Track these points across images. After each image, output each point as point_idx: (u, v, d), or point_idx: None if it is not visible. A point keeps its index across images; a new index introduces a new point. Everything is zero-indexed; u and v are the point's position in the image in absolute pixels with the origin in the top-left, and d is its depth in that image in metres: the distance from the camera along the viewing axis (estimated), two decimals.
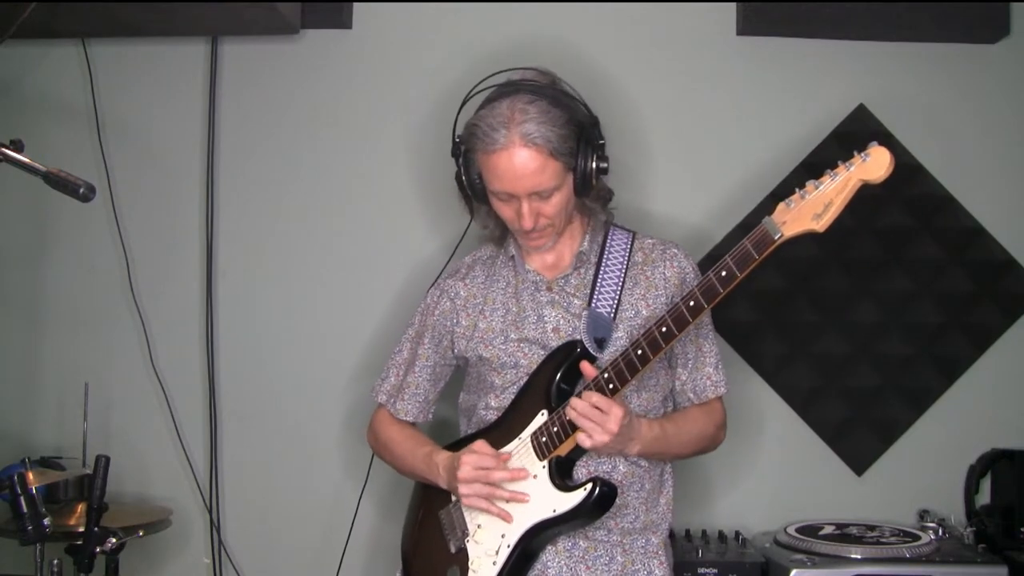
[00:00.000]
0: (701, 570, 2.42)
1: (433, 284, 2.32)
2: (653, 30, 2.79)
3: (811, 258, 2.73)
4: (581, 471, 2.04)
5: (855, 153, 1.75)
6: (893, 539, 2.49)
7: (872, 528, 2.58)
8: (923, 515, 2.70)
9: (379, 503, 2.74)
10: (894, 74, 2.78)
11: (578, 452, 2.00)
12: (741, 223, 2.75)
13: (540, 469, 2.01)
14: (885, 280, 2.76)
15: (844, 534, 2.53)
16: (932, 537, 2.49)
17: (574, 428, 1.96)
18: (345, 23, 2.81)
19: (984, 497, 2.74)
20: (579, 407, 1.93)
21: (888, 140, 2.72)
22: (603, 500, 1.95)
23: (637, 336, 1.94)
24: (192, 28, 2.75)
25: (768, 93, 2.79)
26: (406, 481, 2.31)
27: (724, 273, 1.84)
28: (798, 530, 2.56)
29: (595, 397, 1.93)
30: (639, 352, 1.92)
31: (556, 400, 2.01)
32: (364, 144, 2.82)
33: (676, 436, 2.10)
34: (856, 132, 2.74)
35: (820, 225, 1.76)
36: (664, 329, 1.90)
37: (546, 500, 1.98)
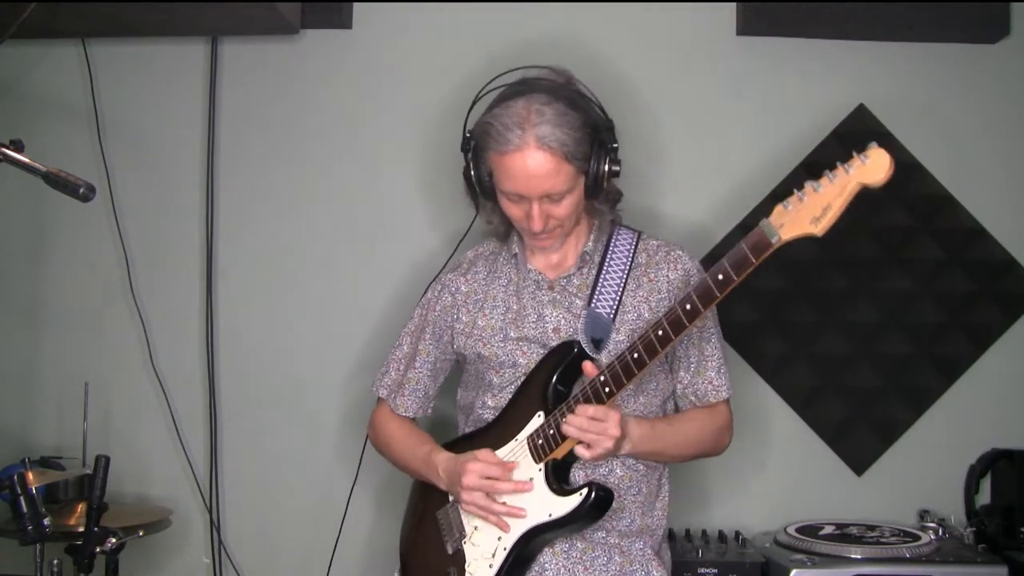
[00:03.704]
0: (701, 570, 2.42)
1: (435, 279, 2.31)
2: (653, 30, 2.79)
3: (811, 258, 2.73)
4: (578, 474, 2.02)
5: (854, 154, 1.69)
6: (893, 539, 2.48)
7: (872, 528, 2.58)
8: (923, 515, 2.70)
9: (377, 502, 2.74)
10: (894, 74, 2.78)
11: (574, 455, 1.98)
12: (741, 223, 2.75)
13: (536, 472, 1.99)
14: (885, 280, 2.76)
15: (844, 534, 2.53)
16: (932, 537, 2.49)
17: None
18: (345, 23, 2.81)
19: (984, 497, 2.74)
20: (576, 423, 1.90)
21: (888, 140, 2.73)
22: (599, 504, 1.93)
23: (635, 339, 1.91)
24: (192, 28, 2.75)
25: (768, 93, 2.79)
26: (401, 480, 2.30)
27: (720, 277, 1.79)
28: (798, 530, 2.55)
29: (590, 409, 1.90)
30: (635, 356, 1.88)
31: (552, 402, 1.99)
32: (364, 144, 2.82)
33: (670, 435, 2.07)
34: (856, 132, 2.74)
35: (819, 229, 1.70)
36: (660, 333, 1.86)
37: (542, 504, 1.96)
